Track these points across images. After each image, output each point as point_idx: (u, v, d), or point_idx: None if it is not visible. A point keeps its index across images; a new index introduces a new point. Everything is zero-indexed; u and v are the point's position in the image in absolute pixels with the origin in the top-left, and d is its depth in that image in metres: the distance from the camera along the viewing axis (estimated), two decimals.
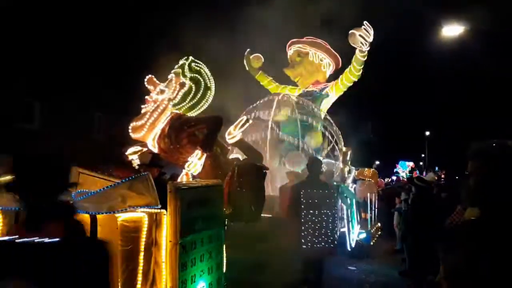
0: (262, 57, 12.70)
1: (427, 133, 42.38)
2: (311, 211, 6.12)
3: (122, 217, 3.02)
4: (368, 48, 11.10)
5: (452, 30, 12.76)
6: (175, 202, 3.37)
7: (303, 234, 6.08)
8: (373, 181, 11.94)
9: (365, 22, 10.90)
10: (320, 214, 6.20)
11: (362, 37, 10.78)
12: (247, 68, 12.82)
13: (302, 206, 6.08)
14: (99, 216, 2.86)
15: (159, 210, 3.38)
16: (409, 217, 7.92)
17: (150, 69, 5.29)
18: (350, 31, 10.96)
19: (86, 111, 17.02)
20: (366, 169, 12.34)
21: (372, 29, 10.91)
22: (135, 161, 4.79)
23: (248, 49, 12.75)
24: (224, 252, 4.24)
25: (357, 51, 11.26)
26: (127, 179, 3.15)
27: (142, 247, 3.19)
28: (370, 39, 10.87)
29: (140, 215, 3.17)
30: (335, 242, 6.44)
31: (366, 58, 11.40)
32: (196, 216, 3.67)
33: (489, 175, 2.29)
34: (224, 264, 4.24)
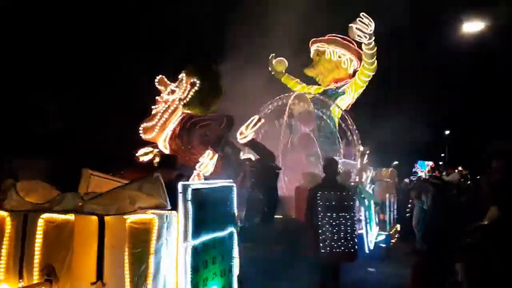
0: (285, 60, 12.75)
1: (447, 132, 41.64)
2: (328, 214, 5.93)
3: (131, 219, 2.95)
4: (371, 40, 10.80)
5: (472, 26, 12.42)
6: (186, 203, 3.29)
7: (321, 238, 5.89)
8: (391, 181, 11.71)
9: (362, 14, 10.65)
10: (338, 217, 6.01)
11: (360, 30, 10.55)
12: (272, 73, 12.88)
13: (319, 209, 5.91)
14: (107, 218, 2.80)
15: (169, 212, 3.31)
16: (428, 217, 7.73)
17: (166, 71, 5.26)
18: (349, 25, 10.77)
19: (101, 114, 17.22)
20: (383, 169, 12.10)
21: (371, 20, 10.64)
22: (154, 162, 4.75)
23: (272, 54, 12.80)
24: (237, 254, 4.15)
25: (362, 45, 11.07)
26: (136, 180, 3.09)
27: (152, 250, 3.11)
28: (369, 30, 10.58)
29: (150, 216, 3.08)
30: (356, 247, 6.24)
31: (374, 50, 11.12)
32: (208, 218, 3.59)
33: (507, 174, 2.31)
34: (238, 266, 4.15)
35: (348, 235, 6.04)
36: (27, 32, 13.98)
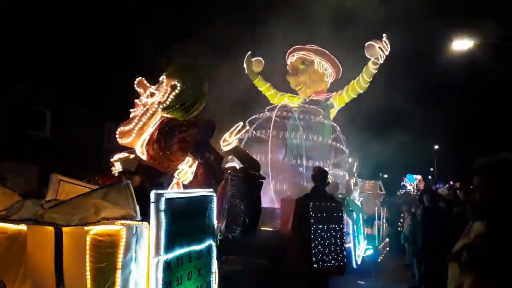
0: (263, 61, 12.29)
1: (436, 146, 41.84)
2: (320, 226, 5.64)
3: (94, 230, 2.66)
4: (382, 62, 10.85)
5: (462, 44, 12.46)
6: (158, 213, 3.02)
7: (313, 251, 5.56)
8: (372, 193, 11.51)
9: (384, 34, 10.68)
10: (329, 229, 5.72)
11: (381, 50, 10.52)
12: (246, 71, 12.35)
13: (312, 221, 5.61)
14: (65, 230, 2.51)
15: (140, 223, 3.03)
16: (418, 230, 7.54)
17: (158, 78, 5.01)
18: (368, 43, 10.68)
19: (96, 121, 17.03)
20: (367, 181, 11.85)
21: (388, 42, 10.68)
22: (116, 168, 4.44)
23: (249, 52, 12.33)
24: (216, 268, 3.86)
25: (370, 63, 10.94)
26: (101, 188, 2.81)
27: (119, 265, 2.82)
28: (387, 52, 10.64)
29: (117, 228, 2.80)
30: (345, 260, 5.97)
31: (377, 71, 11.10)
32: (183, 229, 3.32)
33: (493, 188, 2.28)
34: (216, 282, 3.86)
35: (338, 248, 5.78)
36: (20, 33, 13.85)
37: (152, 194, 3.03)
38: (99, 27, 16.15)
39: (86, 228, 2.61)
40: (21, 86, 14.09)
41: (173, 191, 3.58)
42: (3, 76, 13.27)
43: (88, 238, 2.61)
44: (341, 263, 5.82)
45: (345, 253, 6.06)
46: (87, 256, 2.59)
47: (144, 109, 4.48)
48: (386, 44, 10.56)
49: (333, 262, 5.70)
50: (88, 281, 2.63)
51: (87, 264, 2.60)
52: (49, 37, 14.68)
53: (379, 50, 10.51)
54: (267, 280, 6.20)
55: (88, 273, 2.62)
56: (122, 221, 2.95)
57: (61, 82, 14.88)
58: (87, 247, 2.59)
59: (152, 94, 4.52)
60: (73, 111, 15.53)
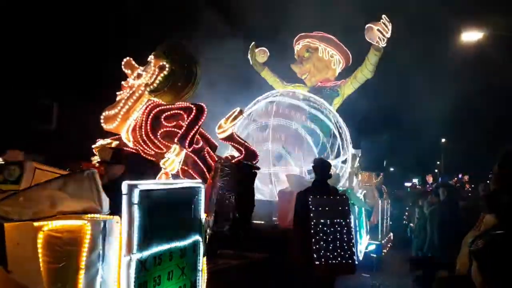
0: (267, 51, 11.88)
1: (443, 140, 41.18)
2: (321, 221, 5.29)
3: (49, 226, 2.30)
4: (385, 45, 10.31)
5: (471, 36, 11.97)
6: (131, 207, 2.66)
7: (314, 248, 5.23)
8: (369, 185, 11.11)
9: (383, 16, 10.12)
10: (333, 224, 5.37)
11: (380, 32, 9.99)
12: (251, 62, 11.98)
13: (311, 215, 5.27)
14: (8, 226, 2.14)
15: (110, 217, 2.67)
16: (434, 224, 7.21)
17: None
18: (367, 25, 10.16)
19: (100, 112, 17.06)
20: (362, 172, 11.41)
21: (390, 23, 10.12)
22: (95, 157, 4.09)
23: (253, 42, 11.93)
24: (204, 266, 3.52)
25: (372, 47, 10.45)
26: (59, 177, 2.45)
27: (82, 264, 2.48)
28: (388, 34, 10.09)
29: (79, 223, 2.45)
30: (354, 257, 5.58)
31: (381, 55, 10.60)
32: (162, 224, 2.96)
33: (504, 180, 2.21)
34: (204, 280, 3.52)
35: (345, 244, 5.39)
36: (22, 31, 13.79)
37: (124, 185, 2.67)
38: (103, 24, 16.00)
39: (36, 224, 2.24)
40: (27, 79, 14.04)
41: (150, 182, 3.23)
42: (9, 69, 13.18)
43: (40, 235, 2.25)
44: (350, 260, 5.43)
45: (354, 249, 5.67)
46: (40, 255, 2.24)
47: (130, 91, 4.11)
48: (386, 26, 10.01)
49: (339, 259, 5.33)
50: (44, 284, 2.28)
51: (41, 265, 2.25)
52: (56, 33, 14.55)
53: (377, 33, 9.98)
54: (265, 276, 5.88)
55: (43, 274, 2.27)
56: (90, 215, 2.61)
57: (67, 75, 14.79)
58: (39, 245, 2.23)
59: (139, 76, 4.14)
60: (79, 103, 15.48)
